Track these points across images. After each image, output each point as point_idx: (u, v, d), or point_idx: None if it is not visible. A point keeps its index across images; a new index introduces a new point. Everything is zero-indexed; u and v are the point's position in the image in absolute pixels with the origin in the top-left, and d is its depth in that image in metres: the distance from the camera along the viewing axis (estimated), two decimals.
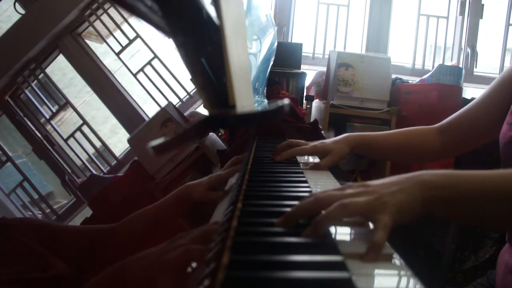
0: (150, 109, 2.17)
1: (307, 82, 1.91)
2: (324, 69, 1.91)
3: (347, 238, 0.39)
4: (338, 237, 0.38)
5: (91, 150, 2.23)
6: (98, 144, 2.22)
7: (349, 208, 0.38)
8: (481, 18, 2.18)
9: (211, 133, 1.65)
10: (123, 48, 2.09)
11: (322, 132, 1.29)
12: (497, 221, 0.45)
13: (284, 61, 1.71)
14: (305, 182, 0.61)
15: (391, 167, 1.64)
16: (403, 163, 1.57)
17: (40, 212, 2.19)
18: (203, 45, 0.41)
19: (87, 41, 2.17)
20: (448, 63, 2.06)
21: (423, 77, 1.79)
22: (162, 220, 0.76)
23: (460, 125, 0.84)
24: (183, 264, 0.42)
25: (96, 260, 0.68)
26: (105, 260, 0.68)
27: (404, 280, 0.31)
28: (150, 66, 2.11)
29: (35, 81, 2.17)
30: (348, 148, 0.83)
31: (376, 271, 0.32)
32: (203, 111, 2.06)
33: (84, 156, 2.25)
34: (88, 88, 2.23)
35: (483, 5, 2.17)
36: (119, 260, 0.48)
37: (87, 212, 2.06)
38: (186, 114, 1.85)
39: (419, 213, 0.41)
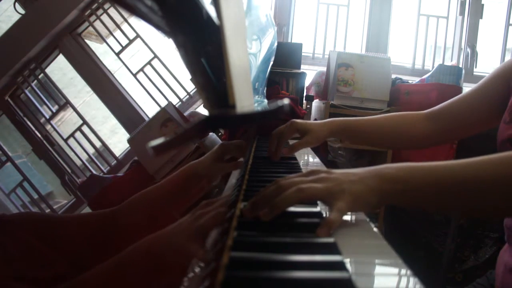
0: (150, 109, 2.16)
1: (307, 82, 1.91)
2: (324, 69, 1.91)
3: (347, 238, 0.39)
4: (338, 238, 0.38)
5: (91, 150, 2.23)
6: (98, 144, 2.22)
7: (306, 192, 0.41)
8: (481, 18, 2.18)
9: (211, 133, 1.65)
10: (123, 48, 2.09)
11: None
12: (451, 210, 0.48)
13: (284, 61, 1.71)
14: None
15: None
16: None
17: (39, 212, 2.19)
18: (203, 45, 0.41)
19: (87, 41, 2.17)
20: (448, 63, 2.05)
21: (423, 77, 1.79)
22: (166, 202, 0.74)
23: (452, 112, 0.83)
24: (214, 227, 0.43)
25: (98, 248, 0.67)
26: (108, 247, 0.67)
27: (404, 280, 0.31)
28: (150, 66, 2.11)
29: (35, 81, 2.17)
30: (329, 132, 0.83)
31: (376, 271, 0.32)
32: (203, 111, 2.06)
33: (84, 156, 2.25)
34: (88, 88, 2.23)
35: (483, 5, 2.17)
36: (122, 247, 0.48)
37: (87, 212, 2.06)
38: (186, 114, 1.85)
39: (375, 203, 0.43)
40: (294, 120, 0.82)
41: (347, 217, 0.44)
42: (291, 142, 0.89)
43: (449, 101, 0.84)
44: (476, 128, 0.82)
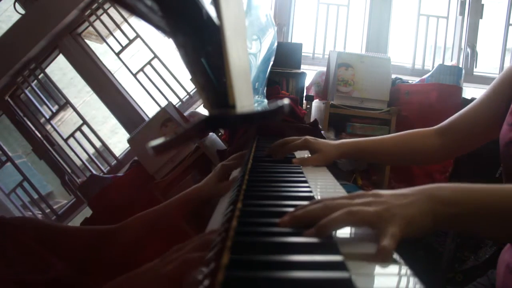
0: (150, 109, 2.16)
1: (307, 82, 1.91)
2: (324, 69, 1.91)
3: (347, 238, 0.39)
4: (338, 238, 0.38)
5: (91, 150, 2.23)
6: (98, 144, 2.22)
7: (357, 216, 0.38)
8: (481, 18, 2.18)
9: (211, 133, 1.65)
10: (123, 48, 2.09)
11: (322, 132, 1.29)
12: (507, 235, 0.45)
13: (284, 61, 1.71)
14: (305, 182, 0.61)
15: (391, 167, 1.64)
16: (401, 165, 1.57)
17: (40, 212, 2.19)
18: (203, 45, 0.41)
19: (87, 41, 2.17)
20: (448, 63, 2.06)
21: (423, 77, 1.79)
22: (167, 221, 0.75)
23: (460, 126, 0.83)
24: (182, 275, 0.41)
25: (98, 260, 0.67)
26: (107, 260, 0.68)
27: (404, 280, 0.31)
28: (150, 66, 2.11)
29: (35, 81, 2.17)
30: (339, 154, 0.83)
31: (376, 271, 0.32)
32: (203, 111, 2.06)
33: (84, 156, 2.25)
34: (88, 88, 2.23)
35: (483, 5, 2.17)
36: (121, 261, 0.48)
37: (87, 212, 2.06)
38: (186, 114, 1.85)
39: (429, 227, 0.41)
40: (308, 138, 0.82)
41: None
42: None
43: (457, 114, 0.84)
44: (486, 137, 0.81)
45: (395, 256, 0.35)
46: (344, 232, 0.40)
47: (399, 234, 0.38)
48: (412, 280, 0.31)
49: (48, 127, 2.21)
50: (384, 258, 0.34)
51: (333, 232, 0.39)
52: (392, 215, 0.39)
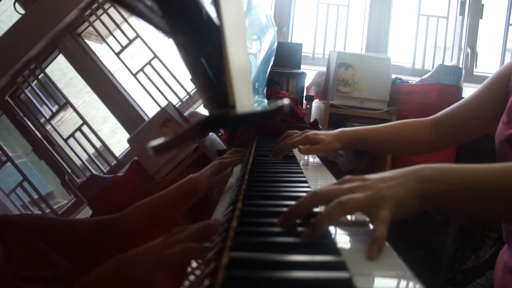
0: (150, 109, 2.16)
1: (307, 82, 1.91)
2: (324, 69, 1.91)
3: (347, 238, 0.39)
4: (338, 238, 0.38)
5: (91, 150, 2.23)
6: (98, 144, 2.22)
7: (347, 206, 0.38)
8: (481, 18, 2.18)
9: (211, 133, 1.65)
10: (123, 48, 2.09)
11: None
12: (494, 214, 0.45)
13: (284, 61, 1.71)
14: (305, 182, 0.61)
15: (392, 166, 1.64)
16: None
17: (40, 212, 2.19)
18: (203, 45, 0.41)
19: (87, 41, 2.17)
20: (448, 63, 2.05)
21: (423, 77, 1.79)
22: (165, 211, 0.76)
23: (454, 118, 0.85)
24: (182, 261, 0.42)
25: (99, 255, 0.68)
26: (107, 252, 0.68)
27: (404, 280, 0.31)
28: (150, 66, 2.11)
29: (35, 81, 2.17)
30: (340, 144, 0.85)
31: (376, 271, 0.32)
32: (203, 111, 2.06)
33: (84, 156, 2.25)
34: (88, 88, 2.23)
35: (483, 5, 2.17)
36: (121, 252, 0.48)
37: (87, 212, 2.06)
38: (186, 114, 1.85)
39: (417, 207, 0.41)
40: (308, 133, 0.83)
41: (347, 218, 0.44)
42: None
43: (451, 107, 0.86)
44: (479, 132, 0.83)
45: (395, 256, 0.35)
46: (344, 232, 0.40)
47: (390, 217, 0.38)
48: (412, 280, 0.31)
49: (48, 127, 2.21)
50: (378, 247, 0.35)
51: (333, 233, 0.39)
52: (381, 197, 0.39)
